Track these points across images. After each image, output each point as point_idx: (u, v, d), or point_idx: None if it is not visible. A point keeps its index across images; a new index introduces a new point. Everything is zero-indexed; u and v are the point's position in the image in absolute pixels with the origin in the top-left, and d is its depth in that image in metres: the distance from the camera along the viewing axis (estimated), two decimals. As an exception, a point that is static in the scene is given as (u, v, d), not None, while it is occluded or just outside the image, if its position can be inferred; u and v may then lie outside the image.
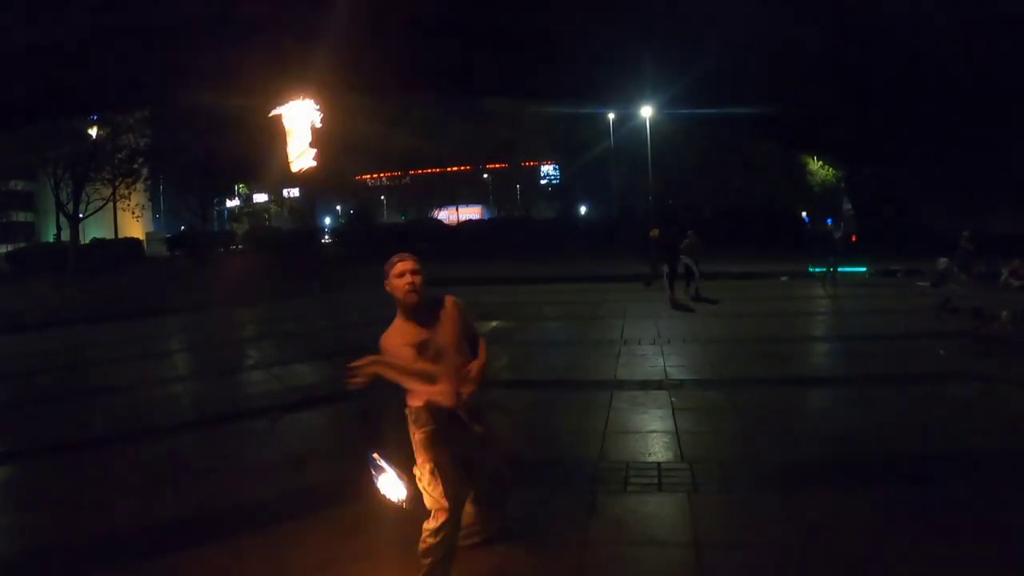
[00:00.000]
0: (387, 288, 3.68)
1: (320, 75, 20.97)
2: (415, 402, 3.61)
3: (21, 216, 68.01)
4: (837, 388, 8.82)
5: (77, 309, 21.56)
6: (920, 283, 19.31)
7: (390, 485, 3.58)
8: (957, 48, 23.02)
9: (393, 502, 3.60)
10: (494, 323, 15.04)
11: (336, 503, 5.14)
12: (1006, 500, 4.92)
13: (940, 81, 24.82)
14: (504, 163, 61.34)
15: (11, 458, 7.28)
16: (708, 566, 4.16)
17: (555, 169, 67.22)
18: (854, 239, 26.23)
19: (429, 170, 61.56)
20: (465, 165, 60.61)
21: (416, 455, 3.68)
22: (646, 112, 36.74)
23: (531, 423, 7.25)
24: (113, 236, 51.41)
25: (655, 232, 22.27)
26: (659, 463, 5.80)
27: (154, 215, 78.88)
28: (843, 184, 46.45)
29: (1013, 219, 25.33)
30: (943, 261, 19.45)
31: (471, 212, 68.48)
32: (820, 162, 46.44)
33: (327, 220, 74.80)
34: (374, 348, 3.54)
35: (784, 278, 22.25)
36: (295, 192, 70.69)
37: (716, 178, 44.04)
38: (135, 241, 52.58)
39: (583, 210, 64.54)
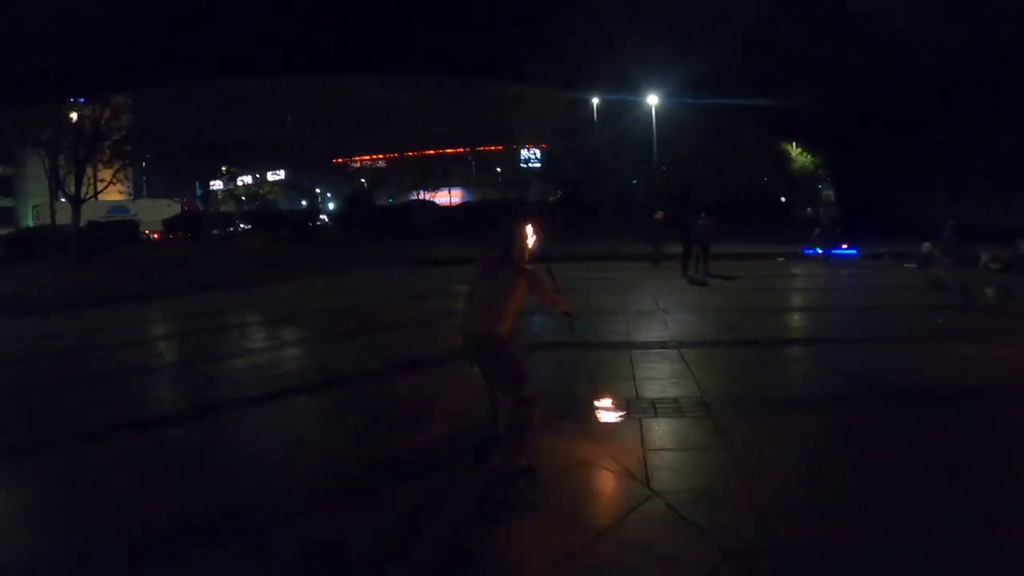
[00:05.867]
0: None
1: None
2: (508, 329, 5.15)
3: (-1, 202, 66.16)
4: (854, 346, 10.24)
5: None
6: (907, 265, 21.24)
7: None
8: (931, 44, 25.03)
9: None
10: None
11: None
12: (996, 415, 6.67)
13: (916, 75, 26.87)
14: (495, 146, 62.22)
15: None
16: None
17: (535, 153, 68.26)
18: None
19: (415, 152, 62.31)
20: (453, 148, 61.36)
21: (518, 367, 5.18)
22: (652, 100, 38.32)
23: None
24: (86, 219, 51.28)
25: (659, 214, 24.06)
26: (676, 397, 7.14)
27: (135, 197, 78.78)
28: (820, 171, 48.72)
29: (987, 208, 27.34)
30: (927, 245, 21.27)
31: (452, 195, 69.20)
32: (799, 149, 48.47)
33: (315, 201, 75.64)
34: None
35: (781, 259, 24.19)
36: (280, 175, 71.45)
37: (705, 164, 45.60)
38: (132, 223, 52.79)
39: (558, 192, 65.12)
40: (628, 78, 31.97)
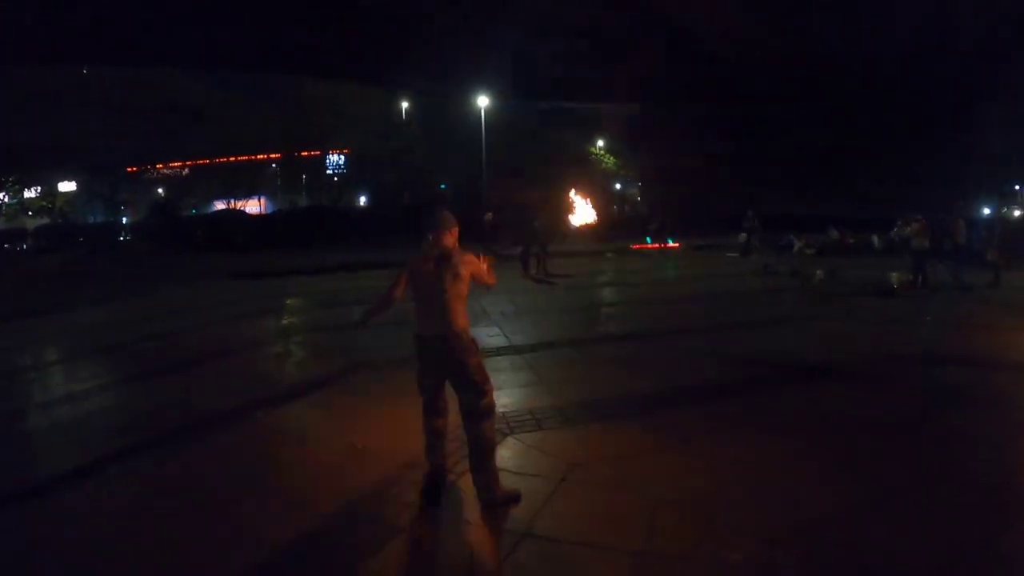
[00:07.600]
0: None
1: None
2: (467, 324, 4.75)
3: None
4: (732, 331, 10.76)
5: None
6: (729, 254, 22.77)
7: None
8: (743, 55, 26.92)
9: None
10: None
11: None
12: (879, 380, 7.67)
13: (729, 84, 28.83)
14: (312, 151, 59.60)
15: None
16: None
17: (341, 158, 66.46)
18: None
19: (225, 159, 58.57)
20: (265, 154, 58.15)
21: (484, 372, 4.75)
22: (482, 102, 38.13)
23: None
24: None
25: (489, 216, 24.28)
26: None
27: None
28: (622, 171, 51.64)
29: (783, 201, 29.94)
30: (743, 236, 23.05)
31: (259, 204, 65.52)
32: (603, 151, 50.79)
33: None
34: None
35: (609, 254, 25.06)
36: (71, 186, 65.15)
37: (528, 166, 46.35)
38: None
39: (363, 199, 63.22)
40: (454, 79, 31.99)
